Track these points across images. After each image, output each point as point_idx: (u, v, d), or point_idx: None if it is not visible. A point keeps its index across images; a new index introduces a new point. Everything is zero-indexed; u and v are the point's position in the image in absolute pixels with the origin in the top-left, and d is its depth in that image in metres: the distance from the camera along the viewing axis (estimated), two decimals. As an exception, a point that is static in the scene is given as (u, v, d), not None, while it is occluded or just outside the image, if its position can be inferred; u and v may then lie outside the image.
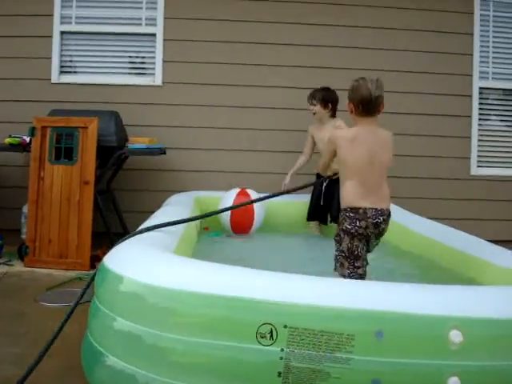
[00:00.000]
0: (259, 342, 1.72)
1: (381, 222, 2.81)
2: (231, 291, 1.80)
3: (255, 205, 4.49)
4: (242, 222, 4.63)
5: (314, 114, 4.71)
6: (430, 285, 2.02)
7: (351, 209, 2.82)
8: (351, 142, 2.85)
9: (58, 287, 3.97)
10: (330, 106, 4.65)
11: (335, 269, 2.92)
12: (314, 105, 4.67)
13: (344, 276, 2.81)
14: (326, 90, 4.70)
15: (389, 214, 2.87)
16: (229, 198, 4.56)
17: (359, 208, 2.80)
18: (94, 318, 2.13)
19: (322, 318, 1.73)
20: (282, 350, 1.71)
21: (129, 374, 1.86)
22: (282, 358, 1.72)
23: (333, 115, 4.69)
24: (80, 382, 2.19)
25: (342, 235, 2.87)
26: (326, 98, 4.65)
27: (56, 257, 4.55)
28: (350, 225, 2.81)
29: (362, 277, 2.82)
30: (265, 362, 1.73)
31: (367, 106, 2.84)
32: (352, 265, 2.82)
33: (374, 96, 2.81)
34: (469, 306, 1.80)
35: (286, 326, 1.71)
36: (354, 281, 1.91)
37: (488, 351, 1.75)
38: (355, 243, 2.83)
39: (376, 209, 2.80)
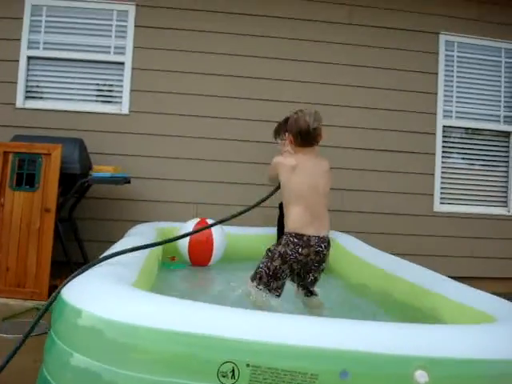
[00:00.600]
0: (221, 382, 1.67)
1: (322, 250, 2.94)
2: (193, 328, 1.75)
3: (215, 236, 4.43)
4: (200, 254, 4.54)
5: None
6: (396, 323, 2.01)
7: (296, 234, 2.93)
8: (292, 169, 2.98)
9: (14, 317, 3.84)
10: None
11: (252, 279, 3.03)
12: (284, 139, 4.55)
13: (256, 287, 2.97)
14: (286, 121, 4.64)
15: (329, 242, 2.99)
16: (187, 228, 4.41)
17: (303, 235, 2.91)
18: (50, 352, 2.04)
19: (286, 357, 1.69)
20: (244, 389, 1.67)
21: (85, 412, 1.79)
22: (243, 398, 1.67)
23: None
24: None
25: (276, 255, 2.97)
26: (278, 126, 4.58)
27: (13, 286, 4.41)
28: (291, 251, 2.92)
29: (276, 295, 2.95)
30: (226, 402, 1.68)
31: (306, 137, 3.01)
32: (268, 284, 2.96)
33: (312, 128, 2.98)
34: (435, 345, 1.79)
35: (248, 365, 1.67)
36: (319, 318, 1.88)
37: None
38: (283, 267, 2.94)
39: (319, 236, 2.93)
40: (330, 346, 1.72)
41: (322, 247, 2.93)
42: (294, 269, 2.98)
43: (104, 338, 1.83)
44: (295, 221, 2.94)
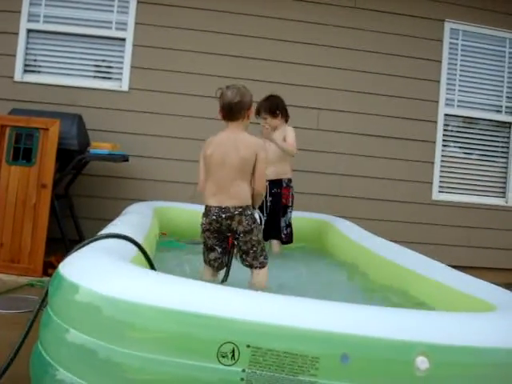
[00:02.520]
0: (220, 362, 1.64)
1: (223, 219, 3.07)
2: (193, 307, 1.71)
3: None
4: None
5: (269, 126, 4.50)
6: (398, 308, 1.99)
7: (205, 206, 3.16)
8: (209, 145, 3.17)
9: (7, 293, 3.81)
10: (279, 112, 4.53)
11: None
12: (265, 118, 4.51)
13: (204, 261, 3.23)
14: (269, 98, 4.57)
15: (240, 212, 3.08)
16: None
17: (207, 206, 3.14)
18: (46, 328, 2.01)
19: (287, 339, 1.67)
20: (244, 370, 1.64)
21: (80, 389, 1.76)
22: (242, 379, 1.64)
23: (286, 120, 4.60)
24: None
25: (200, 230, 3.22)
26: (273, 107, 4.51)
27: (7, 261, 4.38)
28: (203, 220, 3.16)
29: (214, 266, 3.19)
30: (225, 383, 1.65)
31: (228, 111, 3.12)
32: (207, 255, 3.20)
33: (234, 102, 3.08)
34: (436, 332, 1.76)
35: (248, 346, 1.64)
36: (322, 301, 1.85)
37: (455, 380, 1.72)
38: (205, 237, 3.17)
39: (220, 207, 3.08)
40: (332, 330, 1.69)
41: (221, 217, 3.06)
42: (210, 237, 3.14)
43: (101, 315, 1.79)
44: (205, 193, 3.17)
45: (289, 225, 4.52)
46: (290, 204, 4.53)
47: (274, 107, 4.51)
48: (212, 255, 3.18)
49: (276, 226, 4.45)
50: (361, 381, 1.68)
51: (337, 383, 1.66)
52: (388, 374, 1.69)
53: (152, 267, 2.70)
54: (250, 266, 3.16)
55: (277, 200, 4.47)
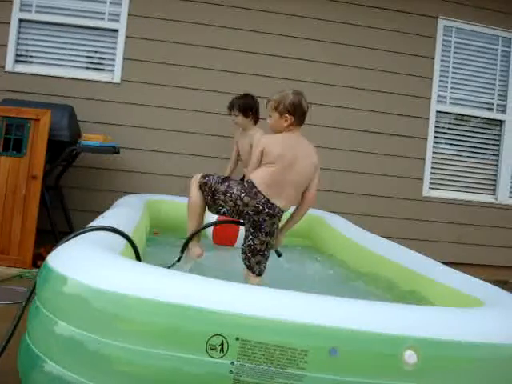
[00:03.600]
0: (209, 354, 1.64)
1: (262, 212, 3.02)
2: (182, 299, 1.71)
3: None
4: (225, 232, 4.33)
5: (236, 123, 4.63)
6: (387, 303, 2.00)
7: (252, 185, 3.06)
8: (276, 145, 3.08)
9: (-3, 284, 3.80)
10: (251, 113, 4.54)
11: None
12: (236, 115, 4.55)
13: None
14: (245, 97, 4.60)
15: (280, 215, 3.10)
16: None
17: (256, 189, 3.03)
18: (34, 319, 2.00)
19: (276, 332, 1.67)
20: (233, 363, 1.64)
21: (68, 381, 1.75)
22: (231, 372, 1.64)
23: (255, 122, 4.60)
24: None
25: None
26: (246, 107, 4.52)
27: (-4, 252, 4.35)
28: (239, 193, 3.05)
29: None
30: (214, 376, 1.65)
31: (303, 119, 3.16)
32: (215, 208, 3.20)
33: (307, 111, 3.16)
34: (425, 326, 1.77)
35: (237, 339, 1.64)
36: (311, 295, 1.85)
37: (442, 374, 1.73)
38: (228, 206, 3.10)
39: (268, 200, 3.02)
40: (322, 323, 1.69)
41: (264, 209, 3.02)
42: (231, 210, 3.11)
43: (90, 307, 1.78)
44: (254, 179, 3.07)
45: None
46: None
47: (248, 107, 4.52)
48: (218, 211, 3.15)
49: None
50: (349, 374, 1.68)
51: (325, 376, 1.66)
52: (376, 368, 1.70)
53: (138, 259, 2.68)
54: (250, 268, 3.12)
55: None
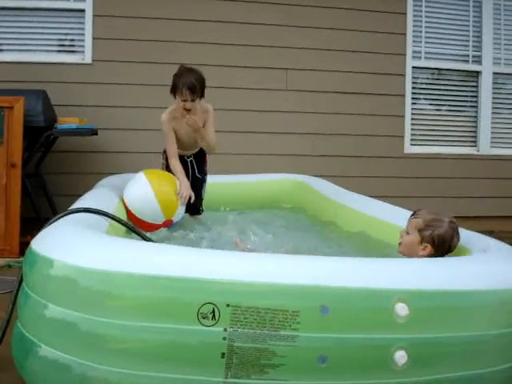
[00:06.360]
0: (201, 323, 1.65)
1: None
2: (169, 271, 1.71)
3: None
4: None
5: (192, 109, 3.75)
6: (374, 258, 2.01)
7: None
8: None
9: (-15, 275, 3.78)
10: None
11: None
12: (199, 99, 3.72)
13: None
14: (194, 73, 3.68)
15: None
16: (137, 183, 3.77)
17: None
18: (24, 305, 1.99)
19: (266, 296, 1.67)
20: (225, 330, 1.65)
21: (64, 363, 1.75)
22: (225, 339, 1.65)
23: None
24: (11, 376, 2.08)
25: None
26: (203, 84, 3.69)
27: (-17, 243, 4.32)
28: None
29: None
30: (207, 344, 1.66)
31: None
32: None
33: None
34: (413, 278, 1.79)
35: (228, 305, 1.65)
36: (297, 256, 1.86)
37: (434, 324, 1.75)
38: None
39: None
40: (311, 283, 1.70)
41: None
42: None
43: (78, 287, 1.78)
44: None
45: None
46: None
47: (204, 85, 3.70)
48: None
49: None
50: (342, 331, 1.70)
51: (318, 335, 1.68)
52: (369, 323, 1.72)
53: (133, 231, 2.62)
54: None
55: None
